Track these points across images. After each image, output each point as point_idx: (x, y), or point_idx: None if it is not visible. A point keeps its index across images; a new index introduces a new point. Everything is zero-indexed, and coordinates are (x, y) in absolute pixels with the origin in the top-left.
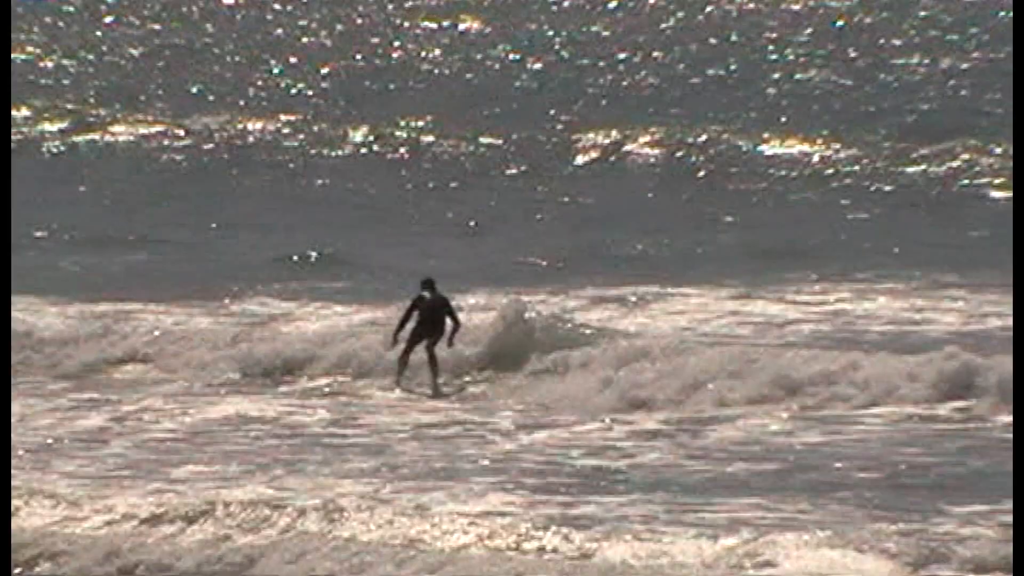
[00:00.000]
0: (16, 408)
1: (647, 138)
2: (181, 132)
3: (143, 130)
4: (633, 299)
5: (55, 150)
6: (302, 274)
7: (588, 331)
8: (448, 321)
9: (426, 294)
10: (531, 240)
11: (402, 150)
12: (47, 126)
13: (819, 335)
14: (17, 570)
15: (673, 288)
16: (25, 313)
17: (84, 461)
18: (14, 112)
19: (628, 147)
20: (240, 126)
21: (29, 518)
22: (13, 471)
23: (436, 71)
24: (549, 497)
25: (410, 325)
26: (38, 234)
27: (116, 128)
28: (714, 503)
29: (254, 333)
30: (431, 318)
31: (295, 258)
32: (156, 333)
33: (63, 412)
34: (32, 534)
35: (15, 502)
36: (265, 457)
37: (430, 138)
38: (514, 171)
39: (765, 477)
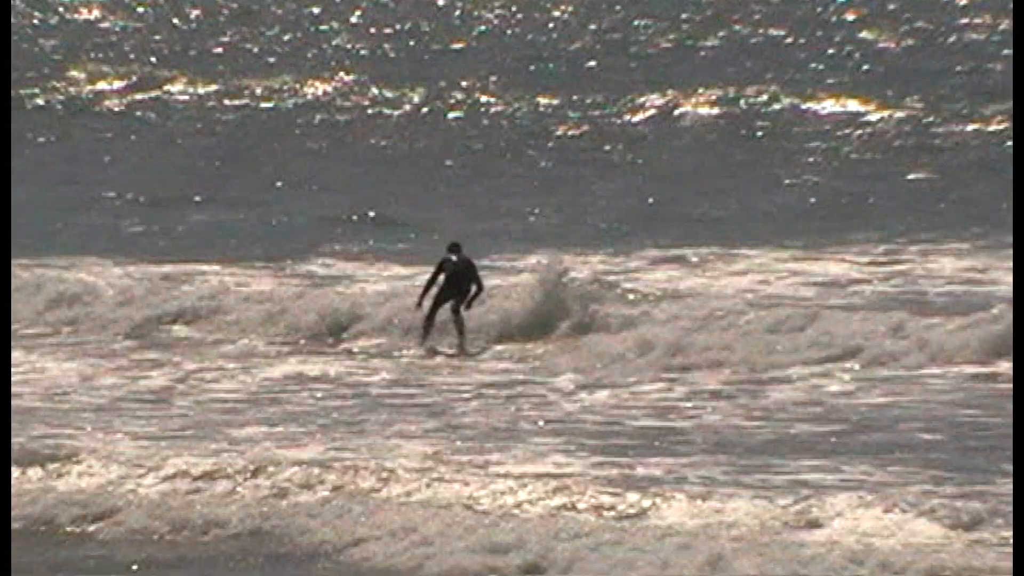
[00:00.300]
0: (79, 367)
1: (707, 98)
2: (241, 92)
3: (203, 90)
4: (695, 260)
5: (116, 110)
6: (362, 234)
7: (632, 295)
8: (472, 285)
9: (452, 257)
10: (591, 201)
11: (461, 111)
12: (108, 86)
13: (883, 296)
14: (69, 529)
15: (734, 249)
16: (88, 275)
17: (146, 421)
18: (76, 73)
19: (688, 107)
20: (300, 86)
21: (83, 478)
22: (75, 432)
23: (495, 31)
24: (607, 458)
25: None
26: (105, 195)
27: (176, 88)
28: (775, 464)
29: (315, 293)
30: (456, 280)
31: (355, 218)
32: (217, 293)
33: (126, 372)
34: (88, 494)
35: (69, 462)
36: (326, 417)
37: (489, 98)
38: (574, 132)
39: (827, 438)
